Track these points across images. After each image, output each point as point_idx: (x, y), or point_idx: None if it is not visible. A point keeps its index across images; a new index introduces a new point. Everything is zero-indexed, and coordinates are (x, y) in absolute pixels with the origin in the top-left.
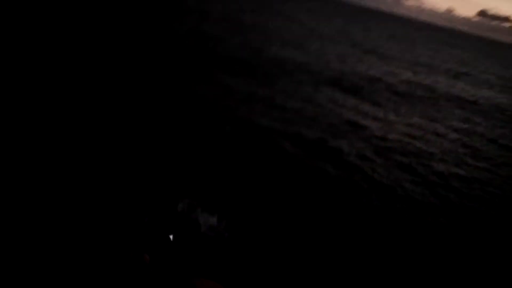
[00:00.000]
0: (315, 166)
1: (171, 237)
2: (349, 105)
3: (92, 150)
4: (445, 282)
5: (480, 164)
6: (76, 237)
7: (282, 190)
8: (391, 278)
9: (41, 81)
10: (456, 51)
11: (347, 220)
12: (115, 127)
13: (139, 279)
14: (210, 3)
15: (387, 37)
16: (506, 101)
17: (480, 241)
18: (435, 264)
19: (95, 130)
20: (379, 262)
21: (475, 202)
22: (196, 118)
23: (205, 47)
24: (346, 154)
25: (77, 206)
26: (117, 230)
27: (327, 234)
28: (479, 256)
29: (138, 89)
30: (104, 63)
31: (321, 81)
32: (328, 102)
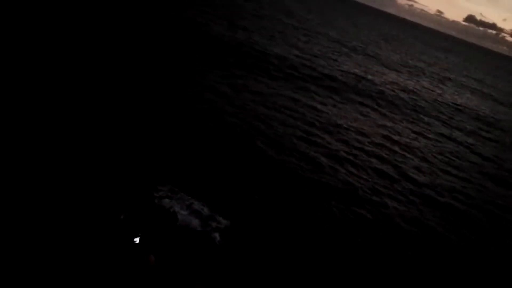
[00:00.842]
0: (289, 166)
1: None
2: (329, 103)
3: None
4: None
5: (454, 172)
6: (81, 237)
7: (258, 184)
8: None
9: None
10: (442, 54)
11: (316, 222)
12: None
13: (144, 279)
14: None
15: (376, 36)
16: (484, 108)
17: (450, 250)
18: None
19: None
20: (351, 271)
21: (446, 211)
22: (179, 107)
23: (192, 34)
24: (321, 156)
25: (75, 202)
26: (123, 229)
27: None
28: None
29: (124, 83)
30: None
31: (303, 77)
32: (309, 99)
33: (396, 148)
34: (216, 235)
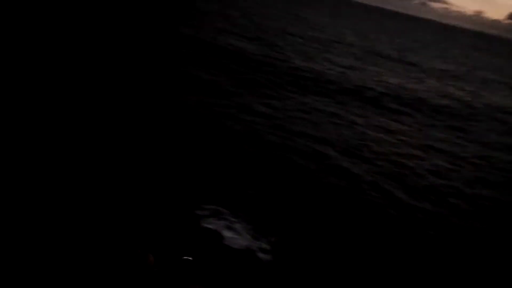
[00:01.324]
0: (333, 183)
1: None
2: (369, 116)
3: (103, 151)
4: None
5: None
6: (80, 236)
7: (298, 202)
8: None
9: (44, 81)
10: (485, 56)
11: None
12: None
13: (142, 279)
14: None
15: (411, 42)
16: None
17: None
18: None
19: (108, 131)
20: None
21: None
22: (218, 128)
23: (226, 56)
24: (366, 172)
25: (82, 206)
26: (122, 228)
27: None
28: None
29: (146, 93)
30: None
31: (340, 91)
32: (348, 113)
33: (448, 160)
34: (262, 255)
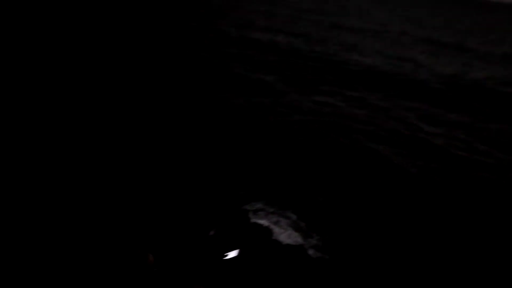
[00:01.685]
0: (377, 180)
1: (236, 252)
2: (424, 109)
3: (144, 145)
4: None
5: None
6: (79, 235)
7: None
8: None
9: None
10: None
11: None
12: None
13: (142, 279)
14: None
15: (472, 26)
16: None
17: None
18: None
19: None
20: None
21: None
22: (266, 125)
23: (266, 51)
24: (416, 172)
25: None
26: (122, 227)
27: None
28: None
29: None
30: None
31: (393, 84)
32: (401, 108)
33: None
34: (312, 251)
